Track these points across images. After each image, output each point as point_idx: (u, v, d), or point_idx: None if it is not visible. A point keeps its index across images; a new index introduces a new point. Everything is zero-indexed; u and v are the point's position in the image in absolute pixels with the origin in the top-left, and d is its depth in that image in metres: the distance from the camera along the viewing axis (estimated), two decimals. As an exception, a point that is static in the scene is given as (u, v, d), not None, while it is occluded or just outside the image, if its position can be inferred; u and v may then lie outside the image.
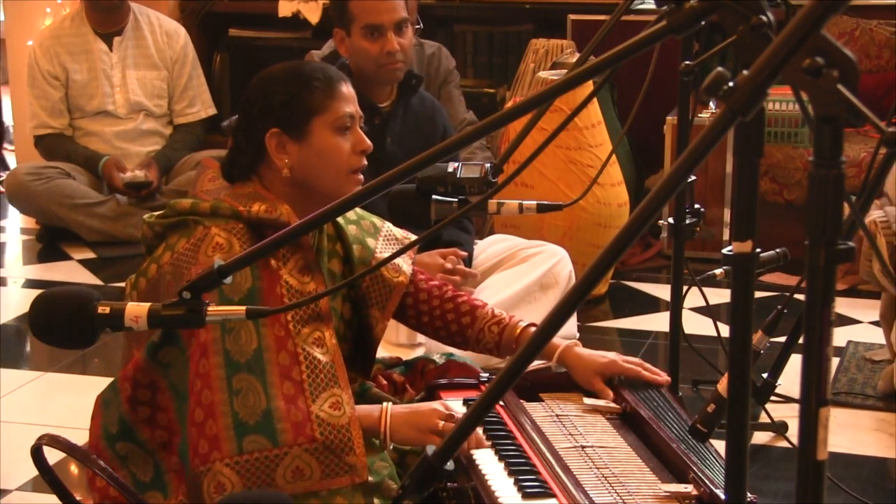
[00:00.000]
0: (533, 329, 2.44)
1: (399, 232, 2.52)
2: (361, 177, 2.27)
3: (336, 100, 2.24)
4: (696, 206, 3.02)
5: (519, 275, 3.60)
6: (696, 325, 3.88)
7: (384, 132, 3.45)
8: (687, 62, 2.70)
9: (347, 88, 2.28)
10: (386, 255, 2.38)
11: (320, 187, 2.25)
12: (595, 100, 4.24)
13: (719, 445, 1.60)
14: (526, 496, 1.94)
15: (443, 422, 2.13)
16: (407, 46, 3.45)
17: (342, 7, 3.46)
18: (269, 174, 2.26)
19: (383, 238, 2.45)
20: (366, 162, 2.28)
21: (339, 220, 2.37)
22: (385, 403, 2.20)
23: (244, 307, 1.68)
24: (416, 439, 2.16)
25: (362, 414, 2.15)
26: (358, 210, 2.44)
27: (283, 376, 2.09)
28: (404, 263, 2.45)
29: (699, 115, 4.45)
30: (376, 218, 2.49)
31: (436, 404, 2.19)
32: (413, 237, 2.49)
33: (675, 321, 3.03)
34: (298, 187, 2.25)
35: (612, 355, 2.38)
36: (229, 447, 2.05)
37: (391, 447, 2.19)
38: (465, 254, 3.54)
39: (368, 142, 2.28)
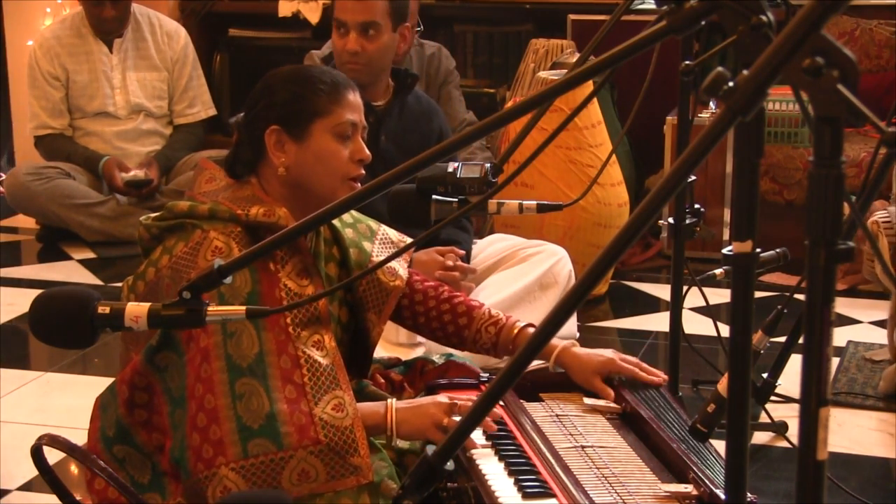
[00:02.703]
0: (530, 330, 2.44)
1: (395, 235, 2.52)
2: (358, 185, 2.27)
3: (340, 106, 2.25)
4: (696, 206, 3.02)
5: (519, 274, 3.60)
6: (696, 325, 3.88)
7: (379, 130, 3.44)
8: (687, 62, 2.70)
9: (354, 97, 2.28)
10: (382, 258, 2.38)
11: (314, 190, 2.25)
12: (595, 100, 4.23)
13: (719, 445, 1.60)
14: (526, 496, 1.94)
15: (447, 416, 2.13)
16: (371, 51, 3.39)
17: None
18: (268, 172, 2.27)
19: (379, 241, 2.45)
20: (363, 171, 2.28)
21: (336, 223, 2.38)
22: (389, 400, 2.20)
23: (244, 307, 1.68)
24: (421, 432, 2.15)
25: (367, 412, 2.15)
26: (354, 213, 2.44)
27: (285, 380, 2.09)
28: (400, 267, 2.45)
29: (699, 115, 4.45)
30: (372, 221, 2.49)
31: (439, 397, 2.20)
32: (409, 240, 2.49)
33: (675, 321, 3.03)
34: (294, 188, 2.26)
35: (609, 353, 2.39)
36: (234, 451, 2.05)
37: (397, 443, 2.19)
38: (462, 252, 3.54)
39: (367, 152, 2.28)
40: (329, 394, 2.11)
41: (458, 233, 3.65)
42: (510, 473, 2.01)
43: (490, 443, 2.12)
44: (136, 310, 1.67)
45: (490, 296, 3.45)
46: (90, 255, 4.98)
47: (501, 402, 2.24)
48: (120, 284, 2.32)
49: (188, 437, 2.09)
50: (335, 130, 2.24)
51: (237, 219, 2.18)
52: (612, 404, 2.29)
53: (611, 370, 2.35)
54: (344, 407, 2.11)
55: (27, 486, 2.92)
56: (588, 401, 2.31)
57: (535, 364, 2.38)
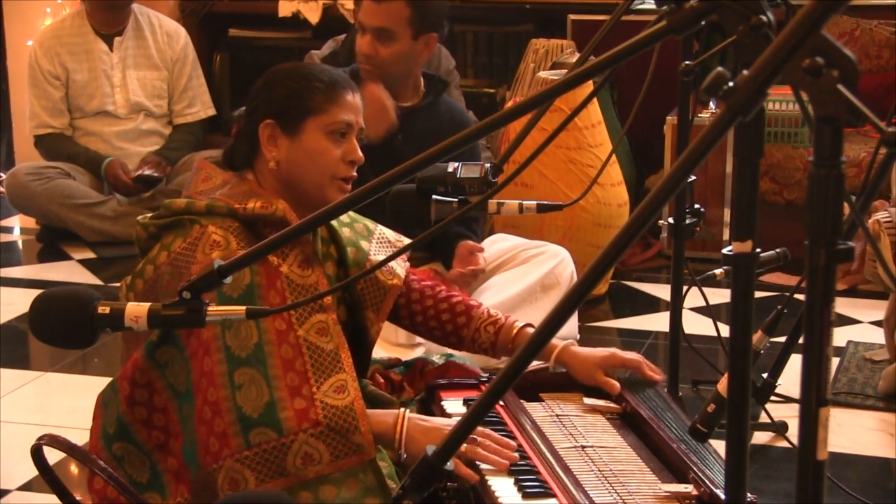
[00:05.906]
0: (529, 330, 2.44)
1: (392, 235, 2.52)
2: (348, 186, 2.28)
3: (336, 105, 2.26)
4: (696, 206, 3.02)
5: (521, 275, 3.61)
6: (696, 325, 3.88)
7: (398, 129, 3.46)
8: (687, 62, 2.71)
9: (353, 97, 2.29)
10: (380, 257, 2.38)
11: (303, 186, 2.27)
12: (595, 100, 4.23)
13: (719, 445, 1.60)
14: (526, 496, 1.94)
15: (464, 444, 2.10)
16: (385, 56, 3.44)
17: None
18: (262, 166, 2.29)
19: (376, 241, 2.46)
20: (354, 173, 2.29)
21: (333, 222, 2.38)
22: (402, 409, 2.19)
23: (244, 307, 1.68)
24: None
25: (377, 420, 2.13)
26: (350, 212, 2.44)
27: (287, 368, 2.09)
28: (398, 266, 2.45)
29: (699, 115, 4.45)
30: (369, 221, 2.50)
31: (453, 422, 2.16)
32: (406, 240, 2.49)
33: (675, 321, 3.03)
34: (285, 183, 2.27)
35: (610, 349, 2.39)
36: (237, 442, 2.05)
37: (405, 456, 2.16)
38: (482, 247, 3.58)
39: (360, 154, 2.29)
40: (332, 377, 2.11)
41: (469, 234, 3.66)
42: (510, 473, 2.01)
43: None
44: (137, 310, 1.67)
45: (492, 297, 3.45)
46: (90, 255, 4.98)
47: (501, 402, 2.24)
48: (119, 284, 2.32)
49: (196, 431, 2.10)
50: (328, 129, 2.25)
51: (235, 213, 2.19)
52: (612, 404, 2.29)
53: (614, 363, 2.35)
54: (345, 388, 2.10)
55: (27, 486, 2.93)
56: (588, 401, 2.31)
57: (535, 364, 2.38)
